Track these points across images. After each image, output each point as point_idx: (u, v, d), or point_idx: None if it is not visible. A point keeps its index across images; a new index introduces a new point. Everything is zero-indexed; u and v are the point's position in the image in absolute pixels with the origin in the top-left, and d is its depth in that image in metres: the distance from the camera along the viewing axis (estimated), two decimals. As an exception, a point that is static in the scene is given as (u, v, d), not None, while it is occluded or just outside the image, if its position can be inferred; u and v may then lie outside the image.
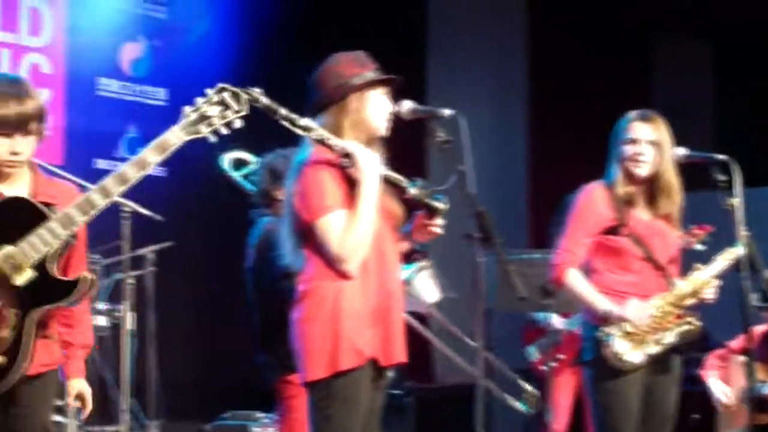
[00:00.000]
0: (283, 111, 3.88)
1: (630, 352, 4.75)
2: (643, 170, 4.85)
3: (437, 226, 4.12)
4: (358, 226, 3.86)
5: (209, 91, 3.78)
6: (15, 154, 3.76)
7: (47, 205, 3.73)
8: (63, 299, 3.77)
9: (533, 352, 6.85)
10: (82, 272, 3.83)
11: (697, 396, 7.12)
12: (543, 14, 9.91)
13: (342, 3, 9.86)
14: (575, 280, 4.86)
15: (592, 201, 4.90)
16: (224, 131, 3.75)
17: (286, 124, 3.90)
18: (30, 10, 8.33)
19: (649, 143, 4.84)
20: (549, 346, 6.44)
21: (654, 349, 4.79)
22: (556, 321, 6.56)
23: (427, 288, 4.40)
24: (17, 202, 3.75)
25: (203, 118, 3.73)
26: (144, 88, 8.96)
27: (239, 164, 4.51)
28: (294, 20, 9.53)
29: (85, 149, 8.42)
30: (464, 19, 10.55)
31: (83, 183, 5.83)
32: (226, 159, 4.52)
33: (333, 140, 3.92)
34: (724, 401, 6.60)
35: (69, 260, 3.89)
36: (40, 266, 3.69)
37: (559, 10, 9.74)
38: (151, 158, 3.70)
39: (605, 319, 4.77)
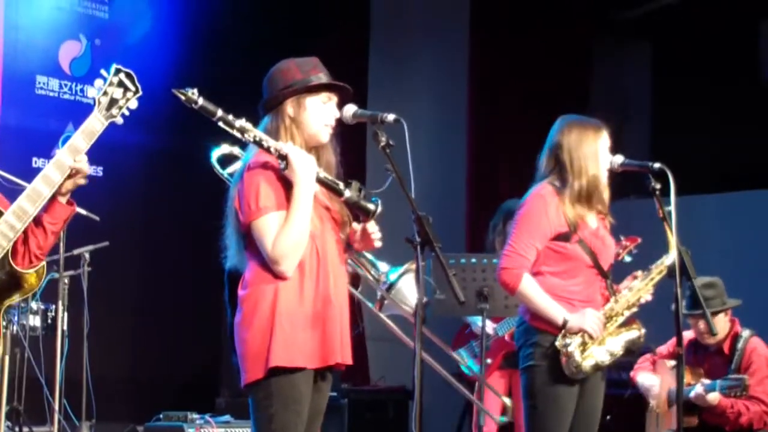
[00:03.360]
0: (220, 112, 3.90)
1: (584, 361, 4.76)
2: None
3: (376, 234, 4.14)
4: (291, 227, 3.87)
5: (107, 74, 3.95)
6: None
7: None
8: (29, 289, 3.88)
9: (464, 356, 6.89)
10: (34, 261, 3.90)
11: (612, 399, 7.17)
12: (484, 16, 9.97)
13: (283, 4, 9.89)
14: (530, 285, 4.78)
15: (546, 206, 4.83)
16: (126, 113, 3.94)
17: (221, 124, 3.92)
18: (-33, 5, 8.26)
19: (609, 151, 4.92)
20: (479, 350, 6.47)
21: (605, 358, 4.82)
22: (487, 325, 6.61)
23: (413, 291, 4.32)
24: None
25: (113, 101, 3.92)
26: (83, 86, 8.89)
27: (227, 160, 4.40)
28: (234, 21, 9.54)
29: (23, 148, 8.36)
30: (406, 20, 10.63)
31: (21, 182, 5.82)
32: (215, 154, 4.44)
33: (269, 142, 3.93)
34: (655, 391, 6.62)
35: None
36: (2, 260, 3.78)
37: (500, 12, 9.81)
38: (81, 145, 3.87)
39: (560, 328, 4.75)
